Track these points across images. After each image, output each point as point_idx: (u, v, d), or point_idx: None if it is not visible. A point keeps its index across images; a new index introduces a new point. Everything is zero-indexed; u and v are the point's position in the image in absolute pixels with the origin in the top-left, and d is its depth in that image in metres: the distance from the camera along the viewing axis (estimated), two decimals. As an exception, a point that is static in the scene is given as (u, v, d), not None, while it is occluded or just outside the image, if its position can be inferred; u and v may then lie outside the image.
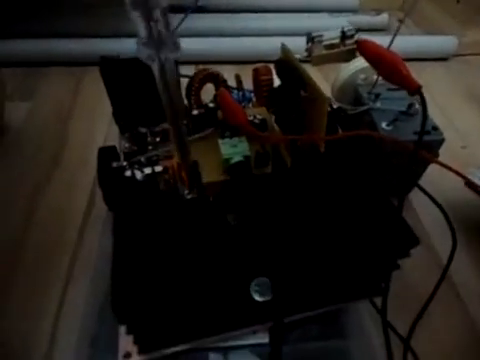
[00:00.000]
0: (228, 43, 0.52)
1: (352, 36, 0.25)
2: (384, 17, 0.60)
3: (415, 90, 0.21)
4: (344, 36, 0.25)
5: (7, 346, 0.25)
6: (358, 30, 0.25)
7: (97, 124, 0.42)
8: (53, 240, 0.31)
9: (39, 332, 0.26)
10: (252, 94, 0.31)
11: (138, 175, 0.21)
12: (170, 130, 0.18)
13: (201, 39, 0.51)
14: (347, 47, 0.26)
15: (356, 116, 0.32)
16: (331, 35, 0.25)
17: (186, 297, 0.17)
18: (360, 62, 0.33)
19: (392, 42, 0.25)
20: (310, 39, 0.25)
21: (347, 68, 0.35)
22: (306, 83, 0.23)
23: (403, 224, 0.19)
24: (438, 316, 0.27)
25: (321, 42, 0.25)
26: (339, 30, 0.25)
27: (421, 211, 0.34)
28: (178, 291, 0.17)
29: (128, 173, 0.21)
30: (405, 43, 0.53)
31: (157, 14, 0.14)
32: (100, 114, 0.43)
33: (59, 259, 0.30)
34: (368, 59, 0.25)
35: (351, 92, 0.34)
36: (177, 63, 0.25)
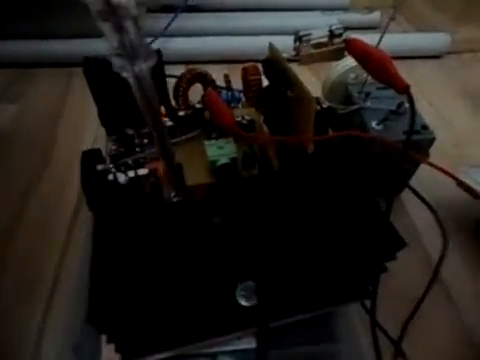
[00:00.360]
0: (218, 42, 0.51)
1: (340, 35, 0.25)
2: (376, 15, 0.60)
3: (403, 90, 0.21)
4: (332, 35, 0.25)
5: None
6: (347, 28, 0.25)
7: (86, 125, 0.42)
8: (41, 242, 0.31)
9: (24, 337, 0.25)
10: (242, 94, 0.31)
11: (121, 178, 0.21)
12: (153, 135, 0.18)
13: (191, 39, 0.51)
14: (335, 46, 0.25)
15: (346, 116, 0.32)
16: (319, 34, 0.25)
17: (169, 303, 0.17)
18: (350, 61, 0.32)
19: (381, 40, 0.25)
20: (298, 38, 0.24)
21: (337, 67, 0.34)
22: (293, 83, 0.22)
23: (389, 226, 0.18)
24: (429, 317, 0.26)
25: (309, 41, 0.25)
26: (327, 29, 0.25)
27: (413, 211, 0.34)
28: (159, 297, 0.16)
29: (111, 177, 0.20)
30: (397, 41, 0.53)
31: (128, 24, 0.13)
32: (89, 115, 0.43)
33: (47, 261, 0.30)
34: (356, 58, 0.25)
35: (341, 91, 0.33)
36: (162, 63, 0.25)
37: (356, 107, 0.30)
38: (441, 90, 0.51)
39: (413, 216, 0.33)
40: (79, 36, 0.49)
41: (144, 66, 0.15)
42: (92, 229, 0.18)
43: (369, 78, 0.32)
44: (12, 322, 0.26)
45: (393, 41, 0.50)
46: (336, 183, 0.22)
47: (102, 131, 0.42)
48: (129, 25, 0.13)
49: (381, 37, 0.25)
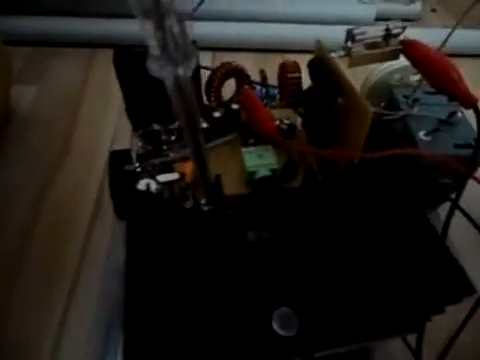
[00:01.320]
0: (247, 29, 0.48)
1: (398, 35, 0.22)
2: (417, 5, 0.56)
3: (471, 104, 0.19)
4: (389, 34, 0.22)
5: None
6: (405, 28, 0.22)
7: (108, 113, 0.40)
8: (62, 232, 0.30)
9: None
10: (276, 90, 0.29)
11: (153, 186, 0.19)
12: (188, 142, 0.16)
13: (218, 24, 0.48)
14: (391, 47, 0.23)
15: (386, 122, 0.29)
16: (375, 33, 0.22)
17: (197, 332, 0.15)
18: (398, 61, 0.30)
19: (445, 43, 0.22)
20: (351, 36, 0.22)
21: (380, 67, 0.32)
22: (344, 89, 0.20)
23: (454, 266, 0.17)
24: (469, 348, 0.25)
25: (362, 40, 0.22)
26: (383, 27, 0.22)
27: (453, 230, 0.31)
28: (197, 326, 0.15)
29: (142, 185, 0.19)
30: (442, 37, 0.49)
31: (171, 22, 0.11)
32: (111, 102, 0.41)
33: (69, 251, 0.29)
34: (414, 63, 0.22)
35: (384, 94, 0.31)
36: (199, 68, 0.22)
37: (403, 113, 0.27)
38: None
39: (452, 236, 0.31)
40: (102, 15, 0.47)
41: (186, 70, 0.13)
42: (126, 241, 0.16)
43: (415, 81, 0.30)
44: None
45: (439, 36, 0.47)
46: (386, 198, 0.20)
47: (123, 121, 0.40)
48: (173, 23, 0.11)
49: (445, 40, 0.22)
